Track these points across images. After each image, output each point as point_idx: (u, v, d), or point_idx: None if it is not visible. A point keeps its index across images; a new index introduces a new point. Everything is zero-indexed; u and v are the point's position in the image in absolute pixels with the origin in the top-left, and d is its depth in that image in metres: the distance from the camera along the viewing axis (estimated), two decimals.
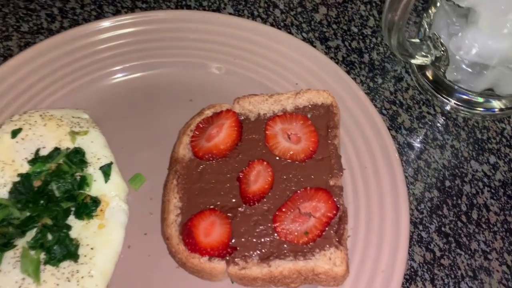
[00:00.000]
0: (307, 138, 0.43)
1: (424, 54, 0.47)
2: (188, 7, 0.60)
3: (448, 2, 0.46)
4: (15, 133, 0.43)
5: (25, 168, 0.42)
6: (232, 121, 0.44)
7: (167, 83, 0.50)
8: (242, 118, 0.45)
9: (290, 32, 0.58)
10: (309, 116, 0.45)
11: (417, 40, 0.48)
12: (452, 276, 0.43)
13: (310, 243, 0.38)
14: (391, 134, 0.49)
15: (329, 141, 0.43)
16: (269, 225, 0.40)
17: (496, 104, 0.51)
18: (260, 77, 0.50)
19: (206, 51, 0.52)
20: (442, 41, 0.48)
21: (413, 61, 0.47)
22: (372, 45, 0.57)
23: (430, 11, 0.50)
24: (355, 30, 0.58)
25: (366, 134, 0.44)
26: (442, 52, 0.48)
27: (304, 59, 0.50)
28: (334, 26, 0.59)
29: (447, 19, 0.47)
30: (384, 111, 0.52)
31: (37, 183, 0.42)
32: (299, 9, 0.60)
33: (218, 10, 0.60)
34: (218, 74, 0.51)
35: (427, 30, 0.50)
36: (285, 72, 0.50)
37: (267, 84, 0.50)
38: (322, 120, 0.44)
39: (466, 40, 0.46)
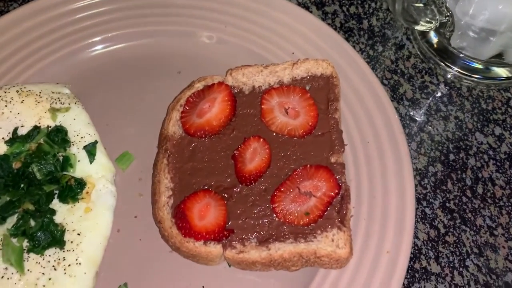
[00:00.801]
0: (306, 112, 0.40)
1: (429, 19, 0.44)
2: None
3: None
4: None
5: (3, 149, 0.39)
6: (225, 95, 0.41)
7: (153, 54, 0.47)
8: (236, 91, 0.42)
9: None
10: (307, 88, 0.42)
11: (421, 5, 0.45)
12: (457, 253, 0.42)
13: (311, 224, 0.36)
14: (393, 105, 0.47)
15: (330, 115, 0.40)
16: (267, 205, 0.37)
17: (502, 72, 0.48)
18: (254, 46, 0.47)
19: (195, 18, 0.48)
20: (447, 5, 0.45)
21: (417, 27, 0.44)
22: (371, 10, 0.53)
23: None
24: None
25: (368, 106, 0.41)
26: (447, 18, 0.45)
27: (300, 26, 0.46)
28: None
29: None
30: (385, 81, 0.49)
31: (16, 165, 0.39)
32: None
33: None
34: (208, 43, 0.47)
35: None
36: (280, 41, 0.46)
37: (261, 53, 0.46)
38: (321, 92, 0.41)
39: (473, 4, 0.43)
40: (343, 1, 0.54)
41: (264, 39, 0.46)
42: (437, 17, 0.44)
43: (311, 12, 0.53)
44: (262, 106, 0.40)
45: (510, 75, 0.47)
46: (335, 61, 0.44)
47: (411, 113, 0.47)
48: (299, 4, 0.53)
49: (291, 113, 0.40)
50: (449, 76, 0.49)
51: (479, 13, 0.42)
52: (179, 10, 0.47)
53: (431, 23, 0.44)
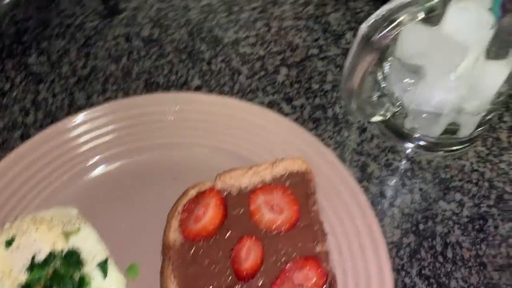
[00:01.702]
0: (289, 208, 0.46)
1: (383, 112, 0.51)
2: (157, 84, 0.62)
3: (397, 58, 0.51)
4: (9, 243, 0.45)
5: (24, 276, 0.44)
6: (217, 200, 0.47)
7: (150, 166, 0.52)
8: (225, 193, 0.48)
9: (257, 96, 0.61)
10: (287, 184, 0.48)
11: (375, 99, 0.53)
12: None
13: None
14: (363, 185, 0.54)
15: (309, 208, 0.46)
16: None
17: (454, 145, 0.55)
18: (237, 148, 0.53)
19: (184, 129, 0.54)
20: (397, 96, 0.52)
21: (373, 119, 0.52)
22: (333, 100, 0.61)
23: (382, 67, 0.54)
24: (316, 86, 0.62)
25: (343, 197, 0.47)
26: (398, 107, 0.52)
27: (276, 128, 0.53)
28: (296, 85, 0.62)
29: (399, 74, 0.51)
30: (354, 163, 0.56)
31: None
32: (262, 73, 0.64)
33: (186, 83, 0.63)
34: (196, 150, 0.54)
35: (382, 85, 0.54)
36: (260, 141, 0.53)
37: (244, 154, 0.53)
38: (300, 187, 0.47)
39: (417, 94, 0.50)
40: (308, 94, 0.61)
41: (246, 142, 0.53)
42: (390, 108, 0.52)
43: (281, 108, 0.60)
44: (250, 207, 0.46)
45: (461, 146, 0.54)
46: (310, 157, 0.50)
47: (381, 190, 0.53)
48: (270, 102, 0.60)
49: (276, 210, 0.46)
50: (408, 152, 0.55)
51: (423, 101, 0.50)
52: (168, 125, 0.54)
53: (386, 114, 0.51)
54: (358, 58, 0.42)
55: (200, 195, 0.48)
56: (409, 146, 0.55)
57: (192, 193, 0.48)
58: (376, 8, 0.69)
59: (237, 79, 0.63)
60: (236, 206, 0.47)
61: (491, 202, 0.52)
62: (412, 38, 0.45)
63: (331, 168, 0.49)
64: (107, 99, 0.61)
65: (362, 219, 0.46)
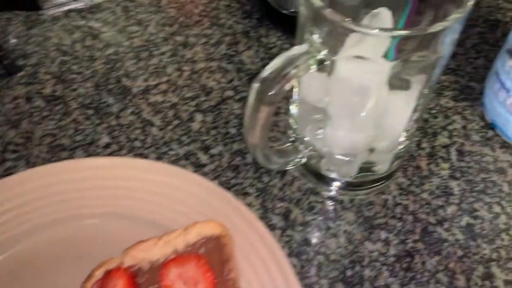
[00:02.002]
0: (204, 279, 0.43)
1: (297, 158, 0.49)
2: (62, 146, 0.58)
3: (304, 101, 0.49)
4: None
5: None
6: (125, 280, 0.43)
7: (51, 245, 0.47)
8: (135, 269, 0.44)
9: (171, 149, 0.58)
10: (202, 252, 0.45)
11: (288, 145, 0.51)
12: None
13: None
14: (287, 234, 0.51)
15: (226, 277, 0.43)
16: None
17: (373, 180, 0.54)
18: (148, 215, 0.49)
19: (82, 199, 0.50)
20: (309, 140, 0.51)
21: (288, 167, 0.50)
22: None
23: (291, 111, 0.52)
24: (234, 131, 0.60)
25: (263, 257, 0.45)
26: (311, 151, 0.50)
27: (188, 187, 0.50)
28: (213, 132, 0.60)
29: (308, 117, 0.50)
30: (277, 210, 0.53)
31: None
32: (175, 122, 0.61)
33: (93, 142, 0.59)
34: (102, 221, 0.49)
35: (295, 129, 0.52)
36: (172, 204, 0.49)
37: (157, 220, 0.49)
38: (215, 254, 0.44)
39: (326, 137, 0.49)
40: (226, 140, 0.58)
41: (158, 207, 0.49)
42: (303, 152, 0.50)
43: (198, 158, 0.57)
44: (162, 283, 0.43)
45: (380, 182, 0.53)
46: (226, 216, 0.47)
47: (306, 238, 0.51)
48: (186, 154, 0.57)
49: (190, 283, 0.43)
50: (330, 193, 0.54)
51: (334, 144, 0.48)
52: (63, 196, 0.49)
53: (300, 160, 0.50)
54: (256, 113, 0.39)
55: (107, 276, 0.44)
56: (330, 187, 0.54)
57: (98, 274, 0.44)
58: (289, 42, 0.69)
59: (150, 132, 0.60)
60: (147, 284, 0.43)
61: (417, 237, 0.51)
62: (312, 85, 0.44)
63: (247, 226, 0.46)
64: (7, 170, 0.56)
65: (281, 279, 0.43)
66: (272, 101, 0.38)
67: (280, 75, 0.38)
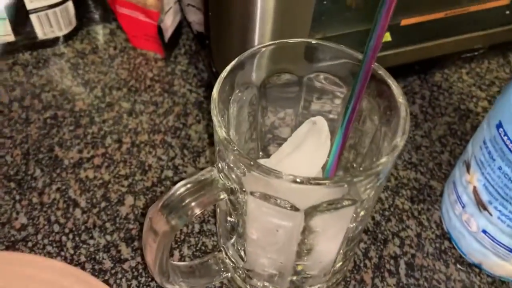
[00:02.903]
0: None
1: (219, 275, 0.44)
2: None
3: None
4: None
5: None
6: None
7: None
8: None
9: (92, 237, 0.53)
10: None
11: (207, 257, 0.45)
12: None
13: None
14: None
15: None
16: None
17: None
18: None
19: None
20: (231, 255, 0.45)
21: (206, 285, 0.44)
22: (183, 237, 0.53)
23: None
24: None
25: None
26: (239, 269, 0.45)
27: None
28: (142, 220, 0.54)
29: (227, 235, 0.45)
30: None
31: None
32: (102, 204, 0.55)
33: (8, 222, 0.53)
34: None
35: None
36: None
37: None
38: None
39: (249, 254, 0.43)
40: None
41: None
42: (232, 270, 0.44)
43: (120, 250, 0.52)
44: None
45: None
46: None
47: None
48: (107, 245, 0.52)
49: None
50: None
51: (256, 263, 0.43)
52: None
53: (221, 276, 0.44)
54: (151, 242, 0.34)
55: None
56: None
57: None
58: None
59: (72, 214, 0.54)
60: None
61: None
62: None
63: None
64: None
65: None
66: (169, 234, 0.33)
67: (179, 206, 0.33)
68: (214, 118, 0.33)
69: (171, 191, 0.33)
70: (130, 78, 0.68)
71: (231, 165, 0.32)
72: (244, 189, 0.33)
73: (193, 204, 0.32)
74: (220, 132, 0.31)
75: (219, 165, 0.34)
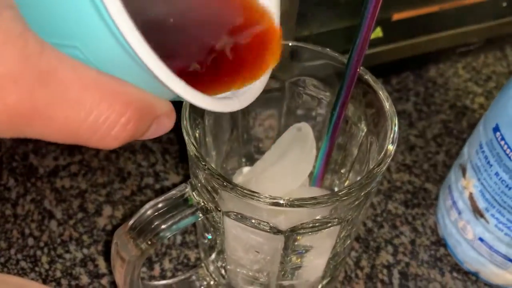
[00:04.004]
0: None
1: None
2: None
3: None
4: None
5: None
6: None
7: None
8: None
9: (68, 251, 0.50)
10: None
11: (189, 273, 0.43)
12: None
13: None
14: None
15: None
16: None
17: None
18: None
19: None
20: (212, 270, 0.43)
21: None
22: (164, 250, 0.51)
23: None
24: None
25: None
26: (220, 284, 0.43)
27: None
28: None
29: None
30: None
31: None
32: (79, 215, 0.52)
33: None
34: None
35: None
36: None
37: None
38: None
39: (229, 270, 0.41)
40: None
41: None
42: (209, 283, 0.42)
43: (97, 265, 0.49)
44: None
45: None
46: None
47: None
48: (84, 259, 0.49)
49: None
50: None
51: (237, 279, 0.40)
52: None
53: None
54: (118, 266, 0.32)
55: None
56: None
57: None
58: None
59: (47, 226, 0.51)
60: None
61: None
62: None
63: None
64: None
65: None
66: (137, 259, 0.30)
67: (149, 230, 0.30)
68: (184, 132, 0.30)
69: (140, 212, 0.30)
70: None
71: (204, 183, 0.30)
72: (219, 209, 0.30)
73: (163, 226, 0.29)
74: (191, 148, 0.28)
75: (193, 182, 0.31)
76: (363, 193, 0.29)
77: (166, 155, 0.57)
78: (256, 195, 0.27)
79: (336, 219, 0.30)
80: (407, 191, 0.56)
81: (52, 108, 0.20)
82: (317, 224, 0.29)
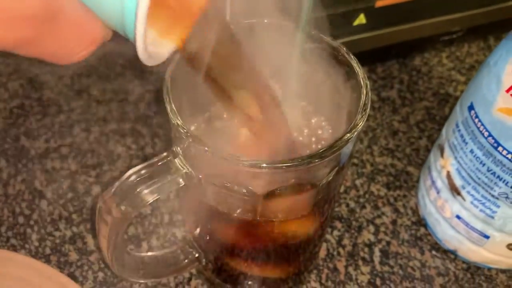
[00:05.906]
0: None
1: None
2: None
3: None
4: None
5: None
6: None
7: None
8: None
9: (57, 229, 0.51)
10: None
11: (174, 248, 0.44)
12: None
13: None
14: None
15: None
16: None
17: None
18: None
19: None
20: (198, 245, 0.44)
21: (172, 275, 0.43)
22: (151, 228, 0.52)
23: None
24: None
25: None
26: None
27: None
28: None
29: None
30: None
31: None
32: (69, 195, 0.53)
33: None
34: None
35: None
36: None
37: None
38: None
39: None
40: None
41: None
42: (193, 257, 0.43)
43: (86, 242, 0.50)
44: None
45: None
46: None
47: None
48: (73, 237, 0.50)
49: None
50: None
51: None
52: None
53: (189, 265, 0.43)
54: (102, 231, 0.33)
55: None
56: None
57: None
58: None
59: (38, 205, 0.52)
60: None
61: None
62: None
63: None
64: None
65: None
66: (120, 221, 0.32)
67: (132, 194, 0.31)
68: (166, 98, 0.31)
69: (123, 178, 0.32)
70: (100, 65, 0.66)
71: (186, 149, 0.31)
72: (200, 175, 0.32)
73: (145, 191, 0.31)
74: (173, 116, 0.30)
75: (175, 149, 0.32)
76: (334, 156, 0.30)
77: (155, 138, 0.58)
78: (230, 157, 0.28)
79: (310, 184, 0.31)
80: (389, 174, 0.57)
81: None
82: (292, 187, 0.31)
